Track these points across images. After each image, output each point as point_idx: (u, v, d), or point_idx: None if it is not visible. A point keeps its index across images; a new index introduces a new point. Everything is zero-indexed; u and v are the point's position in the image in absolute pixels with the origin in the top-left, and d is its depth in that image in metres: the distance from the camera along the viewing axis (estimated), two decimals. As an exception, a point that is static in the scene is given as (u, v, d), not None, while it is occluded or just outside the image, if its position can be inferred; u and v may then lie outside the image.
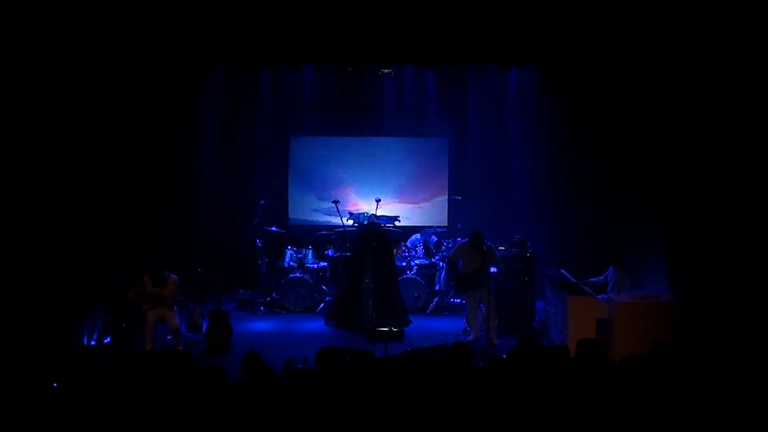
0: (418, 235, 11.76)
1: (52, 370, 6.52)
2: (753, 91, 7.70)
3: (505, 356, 7.01)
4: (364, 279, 10.10)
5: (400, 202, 12.43)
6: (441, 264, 11.30)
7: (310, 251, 11.63)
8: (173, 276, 9.16)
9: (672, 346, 6.22)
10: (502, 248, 10.30)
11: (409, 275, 11.00)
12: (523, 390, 5.27)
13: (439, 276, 11.40)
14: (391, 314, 9.91)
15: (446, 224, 12.04)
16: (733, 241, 7.95)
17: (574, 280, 9.42)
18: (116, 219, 9.77)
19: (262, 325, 10.50)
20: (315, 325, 10.46)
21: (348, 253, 10.96)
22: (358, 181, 12.60)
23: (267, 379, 5.60)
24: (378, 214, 10.86)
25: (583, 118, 11.18)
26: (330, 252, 11.46)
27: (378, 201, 11.17)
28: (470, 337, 9.63)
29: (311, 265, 11.47)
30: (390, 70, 11.16)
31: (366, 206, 11.88)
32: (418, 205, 12.66)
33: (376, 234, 10.27)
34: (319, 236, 11.61)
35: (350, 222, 10.94)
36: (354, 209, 11.89)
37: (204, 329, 9.46)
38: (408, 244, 11.63)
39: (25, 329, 8.16)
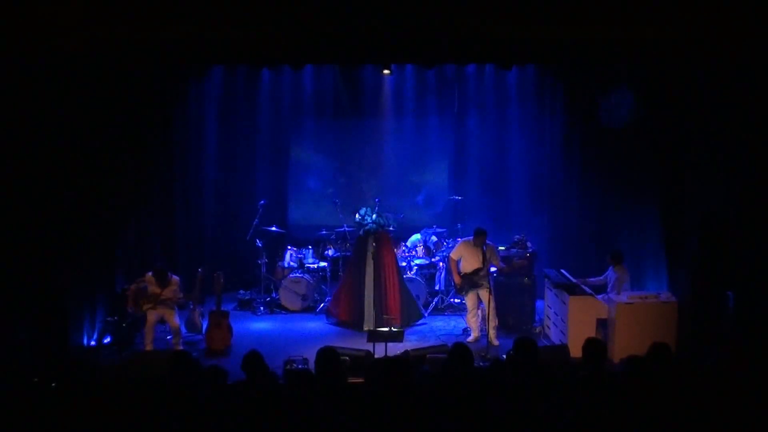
0: (418, 235, 11.75)
1: (52, 370, 6.52)
2: (754, 90, 7.70)
3: (505, 356, 7.02)
4: (365, 279, 10.12)
5: (400, 202, 12.40)
6: (441, 264, 11.31)
7: (310, 251, 11.63)
8: (175, 277, 9.17)
9: (672, 346, 6.23)
10: (502, 248, 10.31)
11: (409, 275, 11.00)
12: (523, 390, 5.28)
13: (439, 276, 11.40)
14: (395, 313, 9.96)
15: (446, 224, 12.03)
16: (733, 242, 7.95)
17: (574, 280, 9.43)
18: (116, 219, 9.78)
19: (262, 325, 10.51)
20: (315, 325, 10.47)
21: (348, 253, 10.97)
22: (358, 181, 12.59)
23: (267, 379, 5.60)
24: (378, 213, 10.83)
25: (583, 118, 11.18)
26: (330, 252, 11.46)
27: (378, 201, 11.17)
28: (470, 337, 9.64)
29: (311, 265, 11.47)
30: (390, 71, 11.14)
31: (366, 206, 11.84)
32: (417, 205, 12.66)
33: (376, 234, 10.29)
34: (319, 236, 11.61)
35: (358, 219, 10.79)
36: (354, 209, 11.85)
37: (204, 329, 9.47)
38: (408, 244, 11.64)
39: (25, 329, 8.16)
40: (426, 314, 10.66)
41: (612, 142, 10.59)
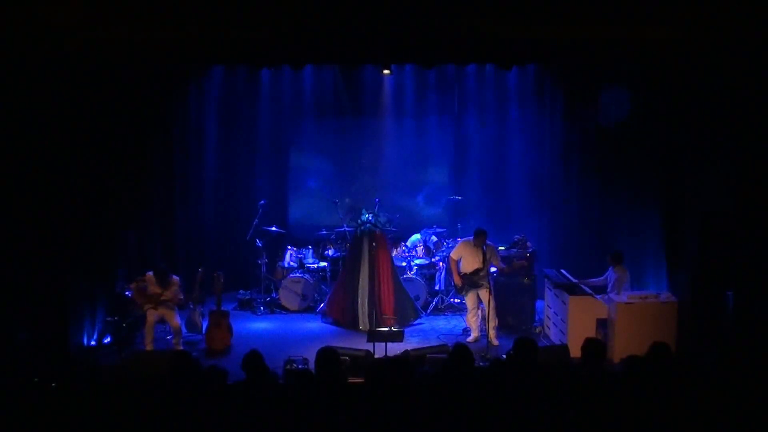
0: (418, 235, 11.75)
1: (52, 370, 6.52)
2: (753, 90, 7.70)
3: (505, 356, 7.02)
4: (360, 279, 10.13)
5: (400, 202, 12.40)
6: (441, 264, 11.31)
7: (310, 251, 11.63)
8: (175, 277, 9.17)
9: (672, 346, 6.23)
10: (502, 248, 10.31)
11: (409, 275, 11.00)
12: (523, 390, 5.28)
13: (439, 276, 11.40)
14: (389, 312, 9.97)
15: (446, 224, 12.03)
16: (733, 242, 7.95)
17: (574, 280, 9.43)
18: (116, 219, 9.78)
19: (262, 325, 10.51)
20: (315, 325, 10.47)
21: (346, 253, 10.97)
22: (357, 181, 12.60)
23: (267, 379, 5.60)
24: (376, 213, 10.83)
25: (583, 118, 11.18)
26: (330, 252, 11.46)
27: (378, 201, 11.18)
28: (470, 337, 9.64)
29: (311, 265, 11.47)
30: (390, 71, 11.14)
31: (366, 206, 11.84)
32: (417, 205, 12.66)
33: (372, 234, 10.28)
34: (319, 236, 11.61)
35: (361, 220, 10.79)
36: (354, 209, 11.85)
37: (204, 329, 9.47)
38: (408, 244, 11.64)
39: (25, 329, 8.16)
40: (424, 314, 10.67)
41: (612, 143, 10.58)
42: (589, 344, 5.73)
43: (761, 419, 5.16)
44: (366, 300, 10.09)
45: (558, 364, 6.59)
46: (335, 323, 10.38)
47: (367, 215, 10.47)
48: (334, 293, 10.63)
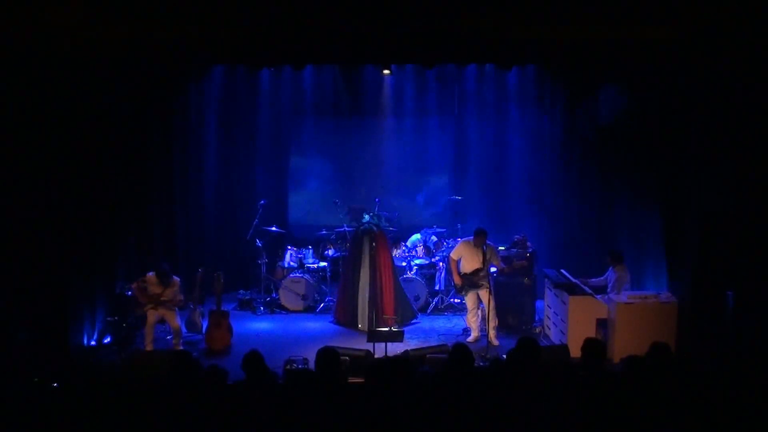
0: (418, 235, 11.76)
1: (52, 370, 6.52)
2: (754, 89, 7.70)
3: (505, 356, 7.03)
4: (360, 279, 10.14)
5: (400, 202, 12.41)
6: (441, 264, 11.31)
7: (310, 251, 11.64)
8: (176, 278, 9.17)
9: (672, 346, 6.23)
10: (502, 248, 10.31)
11: (409, 275, 11.01)
12: (523, 390, 5.28)
13: (439, 276, 11.40)
14: (389, 312, 9.97)
15: (446, 224, 12.04)
16: (733, 241, 7.95)
17: (574, 280, 9.43)
18: (116, 219, 9.79)
19: (262, 325, 10.51)
20: (315, 325, 10.47)
21: (347, 253, 10.97)
22: (357, 181, 12.60)
23: (267, 379, 5.60)
24: (377, 215, 10.83)
25: (583, 118, 11.17)
26: (330, 252, 11.46)
27: (378, 201, 11.18)
28: (470, 337, 9.64)
29: (311, 265, 11.48)
30: (390, 71, 11.15)
31: (366, 206, 11.84)
32: (417, 205, 12.66)
33: (372, 233, 10.29)
34: (319, 236, 11.61)
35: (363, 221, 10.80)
36: (354, 210, 11.86)
37: (204, 329, 9.47)
38: (408, 244, 11.64)
39: (25, 329, 8.16)
40: (420, 315, 10.65)
41: (612, 143, 10.58)
42: (589, 344, 5.72)
43: (761, 419, 5.16)
44: (366, 300, 10.09)
45: (558, 364, 6.60)
46: (337, 323, 10.39)
47: (367, 217, 10.47)
48: (338, 296, 10.62)
